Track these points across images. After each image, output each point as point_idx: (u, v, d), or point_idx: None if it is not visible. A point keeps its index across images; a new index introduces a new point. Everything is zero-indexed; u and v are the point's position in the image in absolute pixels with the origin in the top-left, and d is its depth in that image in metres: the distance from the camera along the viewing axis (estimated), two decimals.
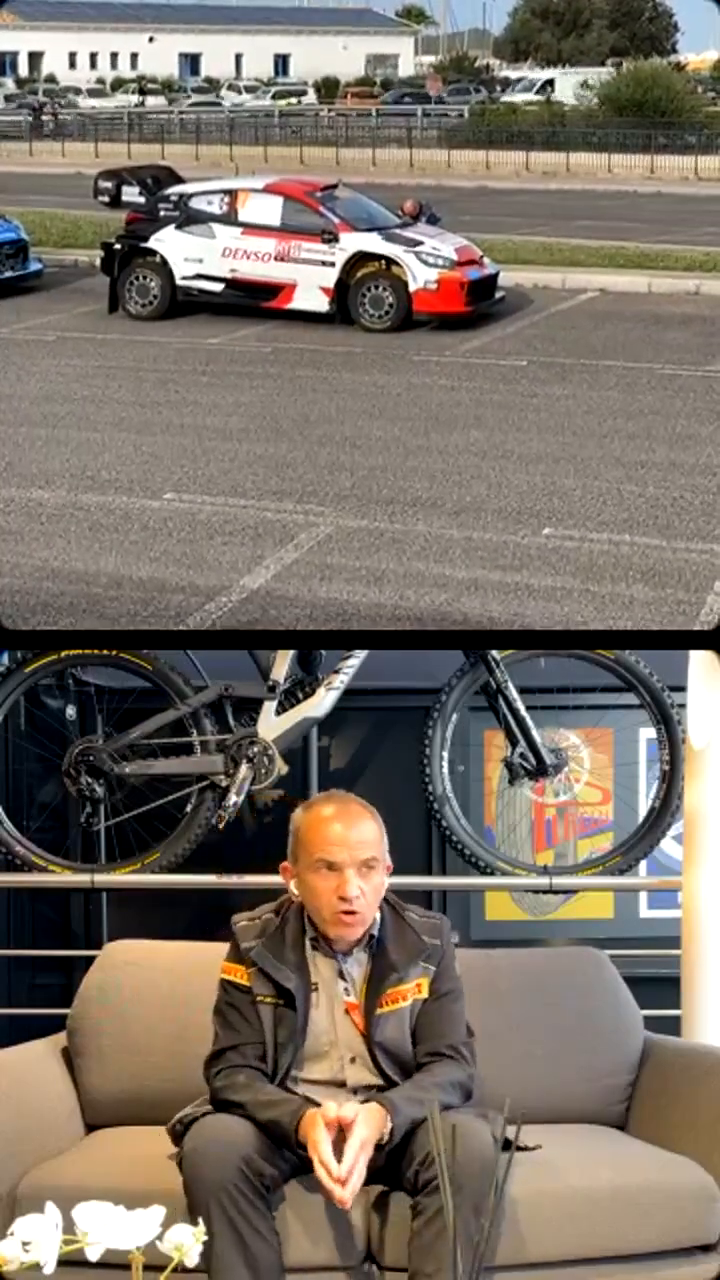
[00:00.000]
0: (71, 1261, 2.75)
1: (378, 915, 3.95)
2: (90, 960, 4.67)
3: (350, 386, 10.37)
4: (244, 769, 5.40)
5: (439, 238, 12.63)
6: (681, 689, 5.10)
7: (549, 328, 12.57)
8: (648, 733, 6.02)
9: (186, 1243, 2.83)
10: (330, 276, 12.19)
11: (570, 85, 28.86)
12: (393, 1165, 3.69)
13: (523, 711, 5.54)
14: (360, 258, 12.19)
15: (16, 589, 6.66)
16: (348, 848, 3.85)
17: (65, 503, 7.84)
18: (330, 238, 12.25)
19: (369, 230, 12.44)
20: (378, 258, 12.19)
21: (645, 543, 7.29)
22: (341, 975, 3.92)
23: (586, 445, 8.97)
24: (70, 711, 6.31)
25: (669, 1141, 4.14)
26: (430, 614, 6.38)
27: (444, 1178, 3.23)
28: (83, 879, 5.54)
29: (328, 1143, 3.57)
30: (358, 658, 5.44)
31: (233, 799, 5.40)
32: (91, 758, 5.51)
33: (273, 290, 12.37)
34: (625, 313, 13.17)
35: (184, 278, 12.42)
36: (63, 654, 5.56)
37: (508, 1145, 3.42)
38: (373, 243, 12.26)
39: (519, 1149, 3.71)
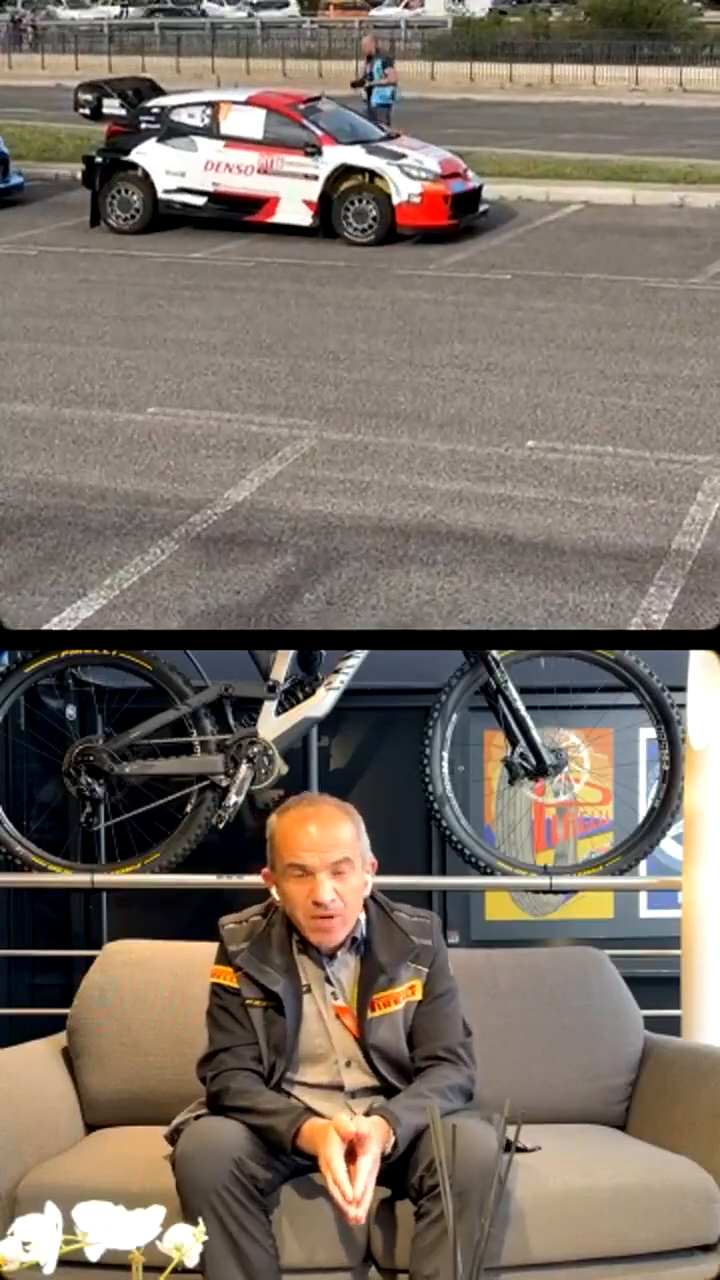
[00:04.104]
0: (71, 1261, 2.73)
1: (362, 916, 3.90)
2: (90, 960, 4.63)
3: (334, 300, 10.34)
4: (244, 769, 5.35)
5: (422, 150, 12.57)
6: (681, 689, 5.04)
7: (533, 241, 12.53)
8: (648, 733, 5.96)
9: (186, 1243, 2.80)
10: (313, 190, 12.13)
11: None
12: (395, 1171, 3.67)
13: (523, 711, 5.46)
14: (343, 171, 12.13)
15: (1, 502, 6.67)
16: (319, 851, 3.78)
17: (49, 417, 7.83)
18: (313, 151, 12.18)
19: (352, 144, 12.37)
20: (361, 171, 12.13)
21: (628, 454, 7.31)
22: (328, 979, 3.86)
23: (570, 358, 8.97)
24: (70, 711, 6.26)
25: (669, 1141, 4.11)
26: (415, 526, 6.40)
27: (445, 1183, 3.23)
28: (83, 879, 5.47)
29: (341, 1159, 3.54)
30: (358, 658, 5.36)
31: (233, 799, 5.34)
32: (91, 758, 5.44)
33: (256, 204, 12.30)
34: (609, 225, 13.13)
35: (166, 191, 12.35)
36: (63, 654, 5.48)
37: (508, 1146, 3.41)
38: (356, 156, 12.20)
39: (519, 1150, 3.70)
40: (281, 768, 5.41)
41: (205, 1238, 2.85)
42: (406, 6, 29.54)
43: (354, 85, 15.68)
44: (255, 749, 5.39)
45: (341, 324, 9.68)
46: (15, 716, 6.22)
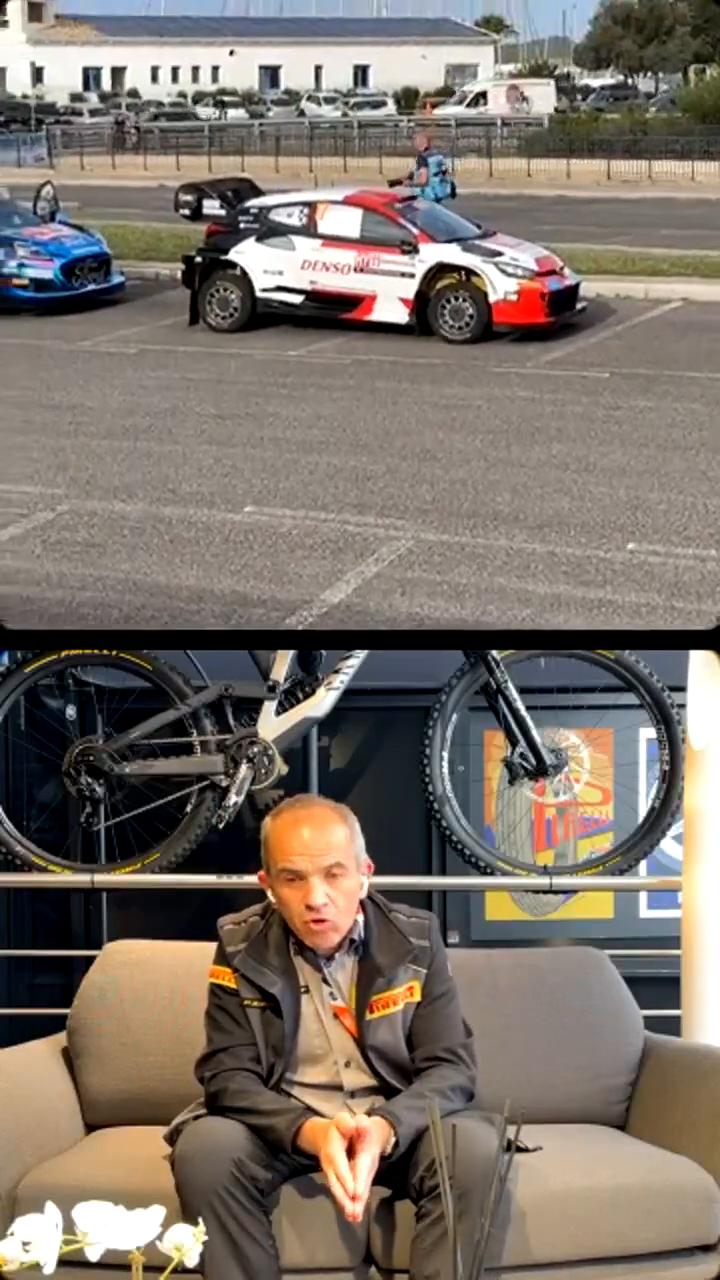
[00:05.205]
0: (71, 1261, 2.76)
1: (360, 918, 3.91)
2: (90, 960, 4.68)
3: (430, 398, 10.34)
4: (244, 769, 5.43)
5: (519, 248, 12.60)
6: (681, 689, 5.08)
7: (631, 338, 12.49)
8: (648, 733, 6.03)
9: (186, 1243, 2.83)
10: (410, 288, 12.18)
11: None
12: (396, 1171, 3.68)
13: (523, 711, 5.55)
14: (440, 269, 12.17)
15: (99, 602, 6.68)
16: (310, 855, 3.81)
17: (146, 515, 7.86)
18: (409, 249, 12.24)
19: (448, 241, 12.42)
20: (457, 269, 12.17)
21: None
22: (326, 980, 3.89)
23: (671, 459, 8.90)
24: (70, 711, 6.33)
25: (669, 1141, 4.14)
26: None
27: (445, 1183, 3.25)
28: (83, 879, 5.57)
29: (343, 1154, 3.56)
30: (358, 658, 5.45)
31: (233, 799, 5.44)
32: (91, 758, 5.54)
33: (352, 302, 12.37)
34: (709, 323, 13.06)
35: (264, 290, 12.45)
36: (63, 654, 5.59)
37: (508, 1146, 3.41)
38: (452, 254, 12.24)
39: (519, 1150, 3.71)
40: (281, 768, 5.47)
41: (205, 1238, 2.85)
42: (471, 105, 29.77)
43: (391, 185, 15.61)
44: (255, 749, 5.43)
45: (438, 422, 9.67)
46: (15, 716, 6.27)
